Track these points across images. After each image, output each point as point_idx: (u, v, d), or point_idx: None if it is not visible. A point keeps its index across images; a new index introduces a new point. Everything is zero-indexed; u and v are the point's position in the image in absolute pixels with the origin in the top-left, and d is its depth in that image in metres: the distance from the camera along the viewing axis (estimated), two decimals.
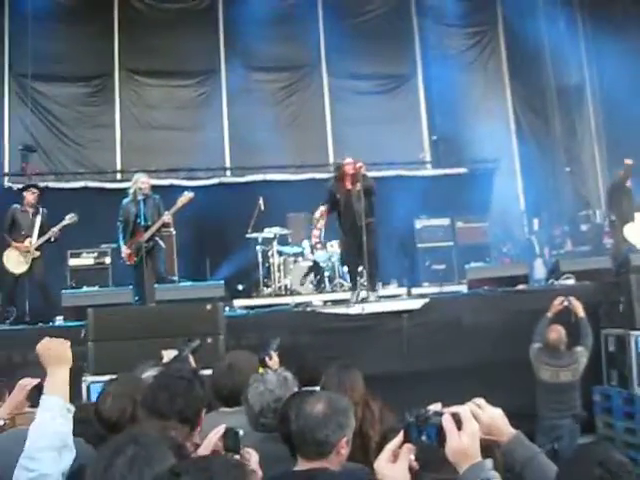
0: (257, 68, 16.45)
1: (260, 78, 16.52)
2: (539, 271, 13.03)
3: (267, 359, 5.38)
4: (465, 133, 15.86)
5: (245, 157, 15.51)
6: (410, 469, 2.13)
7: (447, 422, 2.09)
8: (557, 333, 7.48)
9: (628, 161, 10.85)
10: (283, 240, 12.50)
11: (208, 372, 4.45)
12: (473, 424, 2.13)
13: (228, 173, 15.62)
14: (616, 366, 8.21)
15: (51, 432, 2.68)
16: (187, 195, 10.07)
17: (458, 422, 2.10)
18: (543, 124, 17.78)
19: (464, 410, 2.16)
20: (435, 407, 2.21)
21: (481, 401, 2.43)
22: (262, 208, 12.07)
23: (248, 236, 12.21)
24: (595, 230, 14.18)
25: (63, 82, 15.32)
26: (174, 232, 11.81)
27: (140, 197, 9.95)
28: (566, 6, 18.04)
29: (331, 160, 15.38)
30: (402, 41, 17.40)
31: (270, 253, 12.13)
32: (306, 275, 11.98)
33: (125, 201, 10.25)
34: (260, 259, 12.19)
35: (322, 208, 9.79)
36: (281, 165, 15.27)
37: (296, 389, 3.86)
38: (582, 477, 2.23)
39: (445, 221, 13.22)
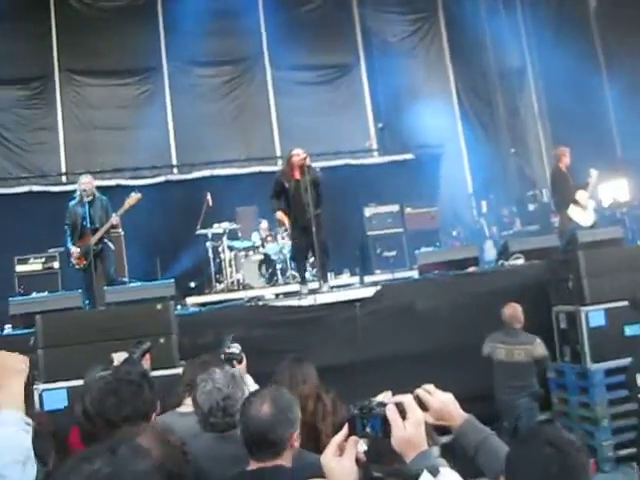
0: (199, 63, 16.33)
1: (203, 73, 16.40)
2: (489, 253, 13.13)
3: (236, 364, 5.33)
4: (410, 119, 15.90)
5: (191, 153, 15.38)
6: (357, 461, 2.11)
7: (391, 412, 2.08)
8: (512, 309, 7.54)
9: (594, 173, 10.97)
10: (233, 235, 12.43)
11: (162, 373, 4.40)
12: (417, 413, 2.12)
13: (175, 170, 15.46)
14: (568, 342, 8.29)
15: (14, 446, 2.62)
16: (134, 196, 9.96)
17: (402, 412, 2.09)
18: (486, 107, 17.95)
19: (408, 399, 2.14)
20: (383, 397, 2.20)
21: (430, 387, 2.42)
22: (210, 204, 11.96)
23: (198, 233, 12.11)
24: (542, 209, 14.36)
25: (1, 85, 14.96)
26: (123, 233, 11.66)
27: (86, 199, 9.81)
28: None
29: (278, 153, 15.35)
30: (343, 30, 17.40)
31: (220, 249, 12.10)
32: (261, 269, 12.01)
33: (71, 204, 10.07)
34: (211, 255, 12.12)
35: (280, 213, 9.72)
36: (228, 160, 15.20)
37: (247, 386, 3.85)
38: (532, 457, 2.24)
39: (394, 208, 13.24)
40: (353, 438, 2.11)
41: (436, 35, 18.33)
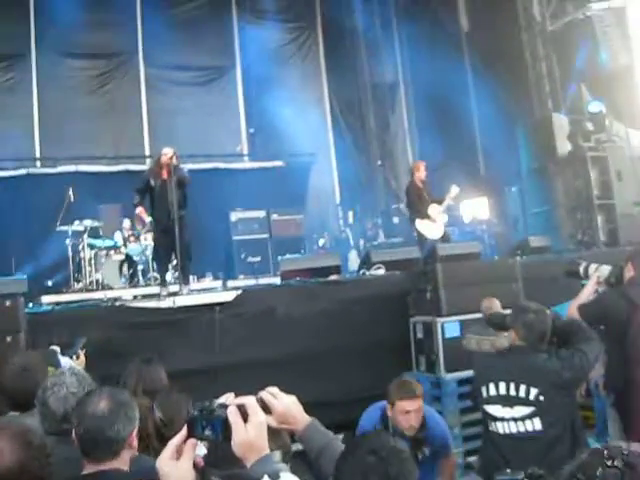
0: (70, 54, 15.71)
1: (74, 65, 15.80)
2: (354, 262, 13.32)
3: (74, 358, 5.17)
4: (283, 127, 15.97)
5: (56, 147, 14.78)
6: (194, 465, 2.04)
7: (232, 414, 2.02)
8: (489, 301, 7.46)
9: (454, 189, 11.19)
10: (95, 233, 12.08)
11: None
12: (259, 415, 2.07)
13: (38, 164, 14.88)
14: (424, 352, 8.44)
15: None
16: None
17: (244, 414, 2.04)
18: (358, 119, 18.28)
19: (250, 401, 2.10)
20: (225, 399, 2.14)
21: (274, 390, 2.39)
22: (72, 199, 11.57)
23: (58, 229, 11.67)
24: (405, 222, 14.65)
25: None
26: None
27: None
28: (382, 7, 18.61)
29: (147, 152, 15.07)
30: (221, 33, 17.34)
31: (80, 247, 11.70)
32: (122, 269, 11.73)
33: None
34: (70, 253, 11.71)
35: (140, 209, 9.51)
36: (95, 156, 14.79)
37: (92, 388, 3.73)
38: (356, 465, 2.25)
39: (261, 213, 13.27)
40: (191, 441, 2.03)
41: (313, 45, 18.51)
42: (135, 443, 2.97)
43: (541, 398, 4.32)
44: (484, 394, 4.55)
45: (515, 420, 4.38)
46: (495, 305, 7.28)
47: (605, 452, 1.67)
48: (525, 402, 4.36)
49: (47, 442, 2.67)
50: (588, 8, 13.47)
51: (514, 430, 4.39)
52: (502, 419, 4.44)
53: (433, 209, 11.01)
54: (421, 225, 11.07)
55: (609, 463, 1.64)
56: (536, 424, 4.32)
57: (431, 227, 11.01)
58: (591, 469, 1.66)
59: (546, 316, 4.62)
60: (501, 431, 4.45)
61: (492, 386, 4.50)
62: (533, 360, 4.44)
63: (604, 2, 13.26)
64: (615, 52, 13.35)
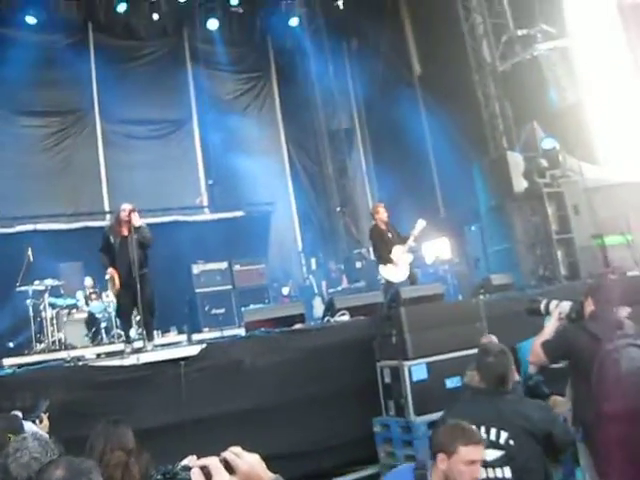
0: (25, 112, 15.76)
1: (28, 123, 15.83)
2: (318, 309, 13.31)
3: (37, 422, 5.07)
4: (241, 177, 16.07)
5: (13, 206, 14.61)
6: None
7: (196, 476, 2.01)
8: (487, 339, 7.40)
9: (420, 223, 11.19)
10: (56, 292, 11.94)
11: None
12: (223, 476, 2.05)
13: None
14: (392, 396, 8.38)
15: None
16: None
17: (207, 475, 2.02)
18: (316, 166, 18.48)
19: (213, 462, 2.08)
20: (188, 461, 2.12)
21: (238, 449, 2.36)
22: (31, 259, 11.44)
23: (18, 290, 11.51)
24: (369, 266, 14.72)
25: None
26: None
27: None
28: (335, 55, 18.87)
29: (107, 208, 15.00)
30: (176, 86, 17.46)
31: (42, 306, 11.53)
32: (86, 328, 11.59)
33: None
34: (31, 313, 11.53)
35: (111, 270, 9.37)
36: (53, 214, 14.68)
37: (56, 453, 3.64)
38: None
39: (223, 265, 13.18)
40: None
41: (269, 94, 18.73)
42: None
43: (511, 442, 4.32)
44: None
45: (486, 466, 4.36)
46: (493, 340, 7.28)
47: None
48: (496, 445, 4.36)
49: None
50: (535, 49, 13.78)
51: (483, 476, 4.36)
52: None
53: (396, 251, 11.02)
54: (384, 271, 11.08)
55: None
56: (506, 472, 4.31)
57: (395, 271, 11.01)
58: None
59: (507, 358, 4.65)
60: None
61: None
62: (501, 403, 4.45)
63: (550, 43, 13.57)
64: (563, 90, 13.64)
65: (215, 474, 2.03)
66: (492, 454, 4.34)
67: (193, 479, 2.00)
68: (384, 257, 11.05)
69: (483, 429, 4.39)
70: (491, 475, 4.33)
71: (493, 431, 4.37)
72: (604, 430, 5.02)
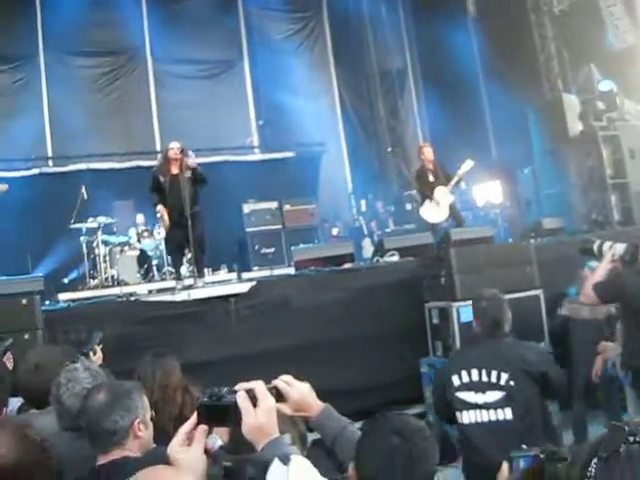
0: (78, 53, 15.80)
1: (82, 63, 15.89)
2: (367, 250, 13.32)
3: (91, 354, 5.19)
4: (292, 118, 15.99)
5: (68, 146, 14.85)
6: (206, 451, 2.06)
7: (241, 399, 2.03)
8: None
9: (468, 163, 11.07)
10: (109, 229, 12.15)
11: None
12: (268, 400, 2.08)
13: (50, 163, 14.96)
14: (440, 337, 8.40)
15: None
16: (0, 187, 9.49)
17: (253, 399, 2.06)
18: (368, 108, 18.28)
19: (259, 386, 2.12)
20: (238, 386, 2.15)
21: (289, 378, 2.40)
22: (85, 197, 11.61)
23: (72, 227, 11.73)
24: (418, 208, 14.62)
25: None
26: None
27: None
28: None
29: (158, 147, 15.06)
30: (227, 26, 17.33)
31: (95, 244, 11.75)
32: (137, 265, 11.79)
33: None
34: (85, 250, 11.78)
35: (160, 207, 9.42)
36: (106, 153, 14.87)
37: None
38: (378, 446, 2.27)
39: (273, 204, 13.19)
40: (202, 427, 2.05)
41: (320, 35, 18.49)
42: (142, 433, 3.00)
43: (511, 383, 4.37)
44: (455, 383, 4.54)
45: (487, 408, 4.41)
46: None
47: (626, 428, 1.65)
48: (496, 387, 4.41)
49: (55, 440, 2.66)
50: None
51: (485, 419, 4.41)
52: (475, 406, 4.46)
53: (439, 191, 10.97)
54: (424, 211, 11.08)
55: (631, 439, 1.62)
56: (507, 413, 4.36)
57: (435, 211, 10.99)
58: (613, 445, 1.63)
59: (500, 302, 4.64)
60: (473, 420, 4.46)
61: (464, 373, 4.52)
62: (501, 346, 4.47)
63: None
64: (622, 32, 13.24)
65: (260, 398, 2.07)
66: (493, 395, 4.40)
67: (239, 401, 2.04)
68: (425, 195, 11.03)
69: (484, 372, 4.45)
70: (492, 417, 4.40)
71: (494, 373, 4.42)
72: None
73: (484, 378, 4.43)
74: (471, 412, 4.45)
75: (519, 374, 4.36)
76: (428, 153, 11.33)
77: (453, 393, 4.55)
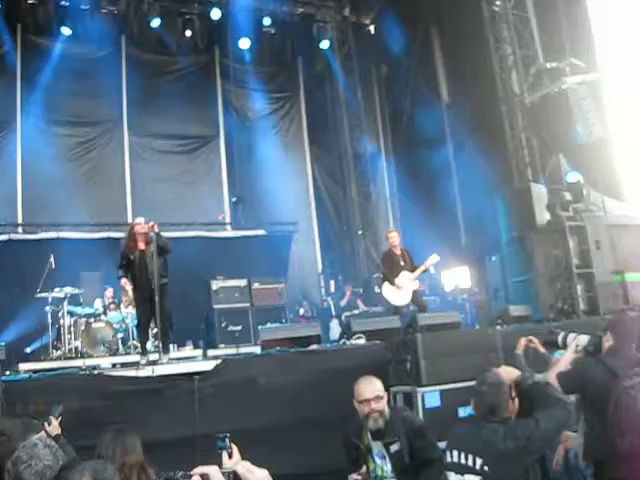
0: (55, 121, 16.01)
1: (59, 132, 16.07)
2: (335, 331, 13.28)
3: (46, 425, 5.10)
4: (265, 196, 16.15)
5: (39, 213, 14.87)
6: None
7: None
8: (501, 369, 7.24)
9: (434, 257, 11.22)
10: (75, 300, 12.00)
11: None
12: None
13: (20, 229, 14.89)
14: None
15: None
16: None
17: None
18: (340, 189, 18.48)
19: (213, 471, 2.10)
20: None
21: (248, 464, 2.39)
22: (53, 266, 11.50)
23: (38, 296, 11.57)
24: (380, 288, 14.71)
25: None
26: None
27: None
28: (364, 79, 18.96)
29: (129, 219, 15.04)
30: (205, 103, 17.59)
31: (60, 314, 11.60)
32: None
33: None
34: (50, 320, 11.58)
35: (124, 280, 9.44)
36: (77, 223, 14.82)
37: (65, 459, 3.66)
38: None
39: (242, 282, 13.14)
40: None
41: (296, 115, 18.82)
42: None
43: (485, 468, 4.37)
44: (447, 459, 4.60)
45: None
46: (502, 372, 7.16)
47: None
48: (473, 471, 4.42)
49: None
50: (563, 82, 13.74)
51: None
52: None
53: (403, 276, 11.07)
54: (386, 290, 11.15)
55: None
56: None
57: (396, 293, 11.06)
58: None
59: (500, 390, 4.66)
60: None
61: (455, 453, 4.57)
62: (483, 431, 4.49)
63: (579, 76, 13.54)
64: (590, 124, 13.60)
65: None
66: (470, 479, 4.40)
67: None
68: (388, 278, 11.11)
69: (463, 455, 4.49)
70: None
71: (470, 457, 4.44)
72: (618, 467, 4.98)
73: (462, 460, 4.47)
74: None
75: (493, 459, 4.35)
76: (392, 239, 11.51)
77: (444, 470, 4.60)
